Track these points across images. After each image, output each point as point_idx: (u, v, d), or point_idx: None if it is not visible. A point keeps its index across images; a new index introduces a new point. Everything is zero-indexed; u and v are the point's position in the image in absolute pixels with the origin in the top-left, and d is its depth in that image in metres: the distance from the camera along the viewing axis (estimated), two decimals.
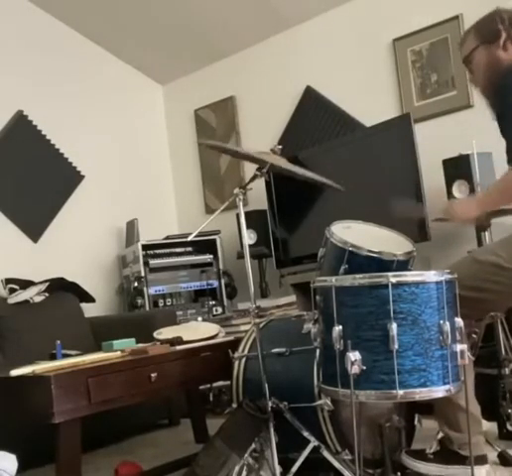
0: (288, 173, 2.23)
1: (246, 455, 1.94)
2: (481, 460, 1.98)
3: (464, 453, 1.96)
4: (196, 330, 2.70)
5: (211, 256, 4.02)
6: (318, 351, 1.96)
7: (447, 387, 1.68)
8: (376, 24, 3.68)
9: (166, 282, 3.93)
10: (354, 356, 1.64)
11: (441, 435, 2.08)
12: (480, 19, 2.12)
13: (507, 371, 2.46)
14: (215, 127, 4.49)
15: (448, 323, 1.68)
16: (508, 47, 2.01)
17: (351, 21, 3.78)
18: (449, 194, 3.01)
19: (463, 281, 1.79)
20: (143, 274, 3.87)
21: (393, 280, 1.66)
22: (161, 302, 3.90)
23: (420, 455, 2.07)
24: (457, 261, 2.04)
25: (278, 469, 1.94)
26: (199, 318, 3.62)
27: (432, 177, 3.13)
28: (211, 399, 3.50)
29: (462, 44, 2.16)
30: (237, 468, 1.92)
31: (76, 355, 2.52)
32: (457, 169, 2.97)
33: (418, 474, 2.05)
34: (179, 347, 2.48)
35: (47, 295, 3.41)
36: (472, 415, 1.97)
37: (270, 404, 1.99)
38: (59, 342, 2.64)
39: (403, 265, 1.86)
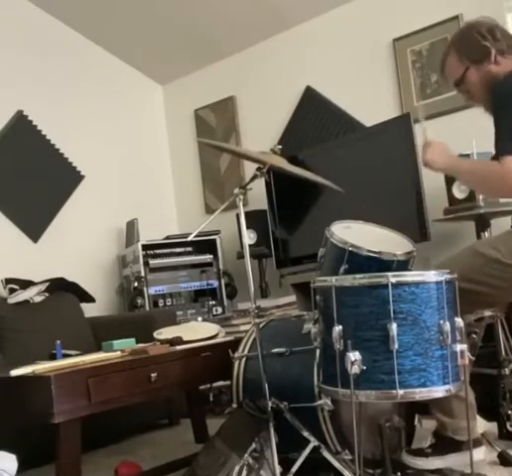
0: (288, 173, 2.23)
1: (246, 455, 1.94)
2: (477, 443, 2.00)
3: (459, 438, 2.00)
4: (196, 330, 2.70)
5: (211, 256, 4.01)
6: (318, 351, 1.96)
7: (446, 387, 1.68)
8: (376, 24, 3.68)
9: (166, 282, 3.93)
10: (354, 356, 1.64)
11: (434, 427, 2.11)
12: (458, 39, 2.10)
13: (507, 371, 2.46)
14: (215, 127, 4.49)
15: (448, 323, 1.68)
16: (499, 60, 2.02)
17: (351, 21, 3.79)
18: (450, 194, 3.01)
19: (462, 272, 1.80)
20: (143, 274, 3.87)
21: (393, 280, 1.66)
22: (161, 302, 3.90)
23: (419, 452, 2.08)
24: (458, 252, 2.05)
25: (278, 469, 1.94)
26: (199, 318, 3.62)
27: (432, 177, 3.12)
28: (211, 399, 3.50)
29: (444, 66, 2.14)
30: (237, 468, 1.92)
31: (76, 355, 2.52)
32: None
33: (419, 474, 2.06)
34: (179, 347, 2.48)
35: (47, 295, 3.41)
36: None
37: (270, 404, 1.99)
38: (59, 342, 2.64)
39: (403, 265, 1.86)
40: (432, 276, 1.70)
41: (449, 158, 2.08)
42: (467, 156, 2.90)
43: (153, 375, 2.28)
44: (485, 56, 2.02)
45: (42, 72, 4.03)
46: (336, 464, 1.99)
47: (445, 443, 2.04)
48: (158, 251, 3.98)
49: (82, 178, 4.16)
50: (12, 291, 3.36)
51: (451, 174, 2.37)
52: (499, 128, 1.88)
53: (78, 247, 4.05)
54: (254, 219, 3.70)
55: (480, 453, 2.01)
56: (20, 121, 3.87)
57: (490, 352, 2.49)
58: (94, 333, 3.43)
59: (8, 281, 3.41)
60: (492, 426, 2.41)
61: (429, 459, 2.05)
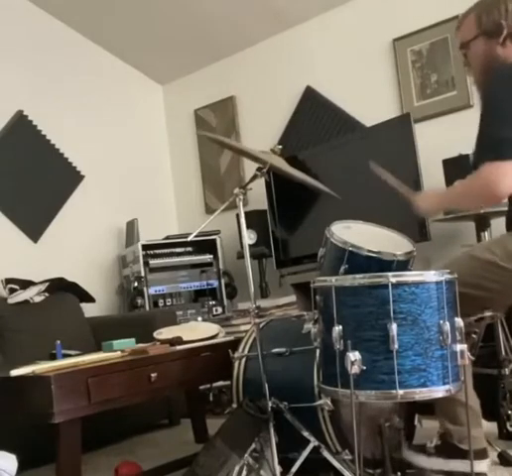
0: (287, 175, 2.23)
1: (246, 455, 1.94)
2: (482, 454, 1.97)
3: (464, 447, 1.95)
4: (196, 330, 2.70)
5: (211, 256, 4.02)
6: (317, 351, 1.96)
7: (446, 387, 1.68)
8: (376, 24, 3.68)
9: (166, 282, 3.93)
10: (354, 356, 1.64)
11: (441, 430, 2.08)
12: (485, 4, 2.00)
13: (507, 371, 2.46)
14: (215, 127, 4.49)
15: (447, 323, 1.67)
16: (507, 44, 1.94)
17: (351, 21, 3.79)
18: None
19: (459, 277, 1.79)
20: (143, 274, 3.87)
21: (393, 280, 1.66)
22: (161, 302, 3.90)
23: (421, 449, 2.06)
24: (454, 257, 2.04)
25: (278, 469, 1.94)
26: (199, 318, 3.62)
27: (432, 177, 3.13)
28: (211, 399, 3.50)
29: (461, 25, 2.07)
30: (237, 468, 1.92)
31: (76, 355, 2.52)
32: (457, 169, 2.97)
33: (419, 473, 2.05)
34: (179, 347, 2.48)
35: (47, 295, 3.41)
36: (472, 408, 1.96)
37: (270, 404, 1.99)
38: (59, 342, 2.64)
39: (403, 265, 1.86)
40: (432, 276, 1.70)
41: (434, 197, 2.09)
42: (467, 156, 2.91)
43: (153, 375, 2.28)
44: (497, 33, 1.94)
45: (42, 72, 4.03)
46: (336, 464, 1.99)
47: (450, 449, 2.01)
48: (158, 251, 3.98)
49: (82, 178, 4.16)
50: (12, 291, 3.36)
51: (445, 209, 2.41)
52: (481, 134, 1.84)
53: (78, 247, 4.05)
54: (254, 219, 3.70)
55: (484, 466, 1.96)
56: (20, 121, 3.87)
57: (490, 352, 2.49)
58: (94, 333, 3.43)
59: (8, 281, 3.41)
60: (492, 426, 2.41)
61: (431, 459, 2.03)
